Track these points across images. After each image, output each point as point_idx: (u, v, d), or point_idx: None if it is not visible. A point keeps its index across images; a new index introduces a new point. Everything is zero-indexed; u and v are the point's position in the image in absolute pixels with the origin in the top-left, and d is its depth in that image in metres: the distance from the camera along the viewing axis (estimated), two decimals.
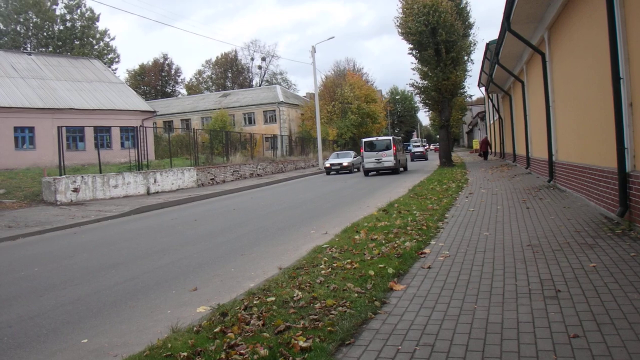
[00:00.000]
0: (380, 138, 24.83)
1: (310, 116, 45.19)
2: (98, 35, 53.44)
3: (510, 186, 13.28)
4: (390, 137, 24.45)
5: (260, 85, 70.32)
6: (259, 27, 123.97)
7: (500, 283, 4.47)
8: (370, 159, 24.01)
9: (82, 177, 17.08)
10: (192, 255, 7.63)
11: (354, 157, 29.68)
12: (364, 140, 25.05)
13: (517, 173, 17.46)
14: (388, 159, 23.76)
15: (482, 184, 14.47)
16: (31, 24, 49.25)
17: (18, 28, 48.83)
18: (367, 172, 24.44)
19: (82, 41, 50.89)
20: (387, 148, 23.87)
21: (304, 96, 59.34)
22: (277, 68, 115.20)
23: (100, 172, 18.05)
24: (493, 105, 30.64)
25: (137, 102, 33.11)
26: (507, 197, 10.89)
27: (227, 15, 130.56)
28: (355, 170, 29.17)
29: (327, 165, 28.56)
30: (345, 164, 28.13)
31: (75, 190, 16.64)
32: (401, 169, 25.58)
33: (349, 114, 46.93)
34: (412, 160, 40.35)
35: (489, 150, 34.16)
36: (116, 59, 55.58)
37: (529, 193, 11.31)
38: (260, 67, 78.39)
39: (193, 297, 5.38)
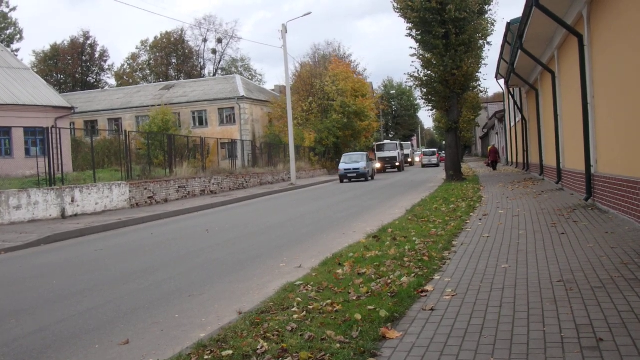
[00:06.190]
0: (430, 149, 65.75)
1: (280, 115, 45.36)
2: None
3: (537, 205, 13.55)
4: (435, 149, 67.52)
5: (214, 75, 70.31)
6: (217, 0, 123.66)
7: (524, 329, 4.56)
8: (425, 160, 58.09)
9: None
10: (122, 298, 7.57)
11: None
12: (423, 150, 74.12)
13: (545, 189, 17.81)
14: (434, 160, 57.91)
15: (499, 203, 14.72)
16: None
17: None
18: (423, 166, 57.23)
19: None
20: (433, 154, 59.82)
21: (273, 90, 59.62)
22: (237, 53, 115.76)
23: None
24: (515, 103, 31.30)
25: (48, 95, 32.70)
26: (532, 220, 11.11)
27: None
28: None
29: None
30: None
31: None
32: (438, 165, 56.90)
33: (332, 113, 47.22)
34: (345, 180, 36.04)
35: (498, 160, 39.27)
36: (18, 36, 54.76)
37: (561, 214, 11.56)
38: (215, 52, 78.56)
39: (123, 353, 5.35)
